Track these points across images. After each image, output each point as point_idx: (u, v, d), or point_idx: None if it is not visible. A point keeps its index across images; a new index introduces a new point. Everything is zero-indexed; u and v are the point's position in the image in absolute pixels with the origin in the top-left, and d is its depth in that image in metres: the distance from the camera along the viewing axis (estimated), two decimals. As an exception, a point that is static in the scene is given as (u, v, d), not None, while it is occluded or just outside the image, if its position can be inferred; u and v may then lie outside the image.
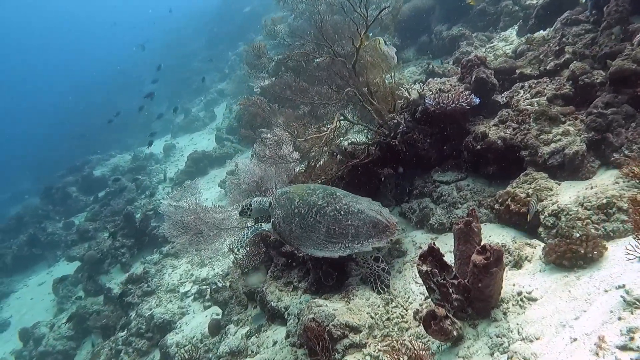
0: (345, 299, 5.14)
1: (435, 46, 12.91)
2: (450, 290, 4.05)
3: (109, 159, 30.25)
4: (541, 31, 8.27)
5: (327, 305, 4.91)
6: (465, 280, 4.02)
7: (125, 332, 9.99)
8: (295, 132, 5.90)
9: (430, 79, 7.17)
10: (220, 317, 7.56)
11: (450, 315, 3.90)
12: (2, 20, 73.97)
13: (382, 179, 6.70)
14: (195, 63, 38.87)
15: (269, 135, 6.42)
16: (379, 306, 4.90)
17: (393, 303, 4.92)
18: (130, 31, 60.22)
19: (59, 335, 13.58)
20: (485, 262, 3.73)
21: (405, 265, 5.57)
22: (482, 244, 3.95)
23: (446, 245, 5.50)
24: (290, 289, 6.34)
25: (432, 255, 4.15)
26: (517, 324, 3.74)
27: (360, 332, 4.60)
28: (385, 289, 5.18)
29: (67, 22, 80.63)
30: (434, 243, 4.18)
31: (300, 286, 6.30)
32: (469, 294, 4.01)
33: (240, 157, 18.99)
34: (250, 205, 5.76)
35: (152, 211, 15.77)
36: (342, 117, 6.23)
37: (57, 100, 56.17)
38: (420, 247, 5.76)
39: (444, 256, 4.17)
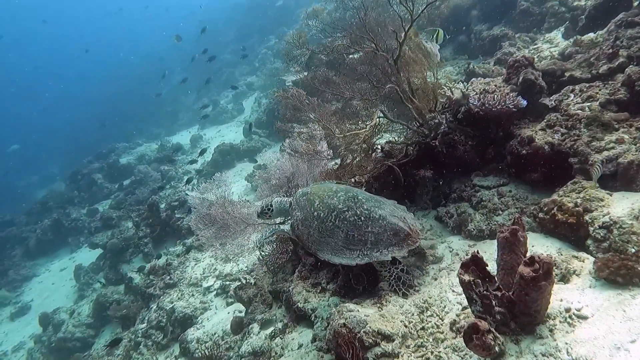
0: (378, 305, 4.96)
1: (474, 46, 12.63)
2: (493, 302, 3.84)
3: (136, 147, 30.47)
4: (591, 34, 7.97)
5: (358, 311, 4.73)
6: (510, 293, 3.80)
7: (145, 324, 9.94)
8: (334, 128, 5.71)
9: (473, 79, 6.95)
10: (243, 314, 7.43)
11: (493, 330, 3.69)
12: (36, 9, 75.11)
13: (419, 181, 6.49)
14: (226, 55, 38.95)
15: (303, 129, 6.25)
16: (413, 314, 4.70)
17: (428, 312, 4.71)
18: (164, 21, 61.10)
19: (79, 322, 13.67)
20: (534, 274, 3.51)
21: (441, 272, 5.37)
22: (529, 254, 3.74)
23: (485, 254, 5.26)
24: (318, 290, 6.18)
25: (475, 265, 3.95)
26: (566, 343, 3.52)
27: (393, 341, 4.41)
28: (409, 290, 5.05)
29: (101, 11, 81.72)
30: (477, 252, 3.96)
31: (329, 288, 6.13)
32: (514, 308, 3.80)
33: (269, 151, 18.93)
34: (271, 205, 5.61)
35: (177, 202, 15.76)
36: (381, 115, 6.02)
37: (90, 87, 56.93)
38: (457, 254, 5.56)
39: (487, 266, 3.96)
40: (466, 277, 3.89)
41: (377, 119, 5.69)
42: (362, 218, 4.91)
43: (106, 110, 44.18)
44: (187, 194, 16.56)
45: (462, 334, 3.65)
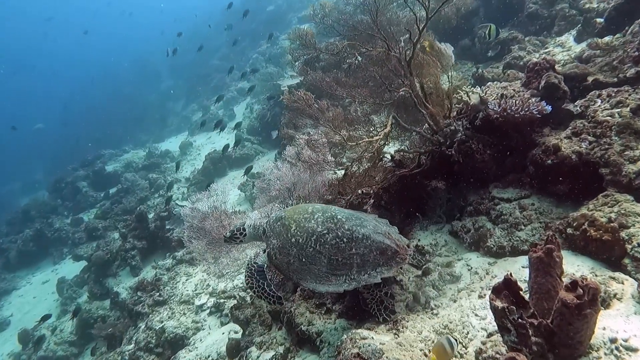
0: (394, 331, 4.58)
1: (478, 50, 12.35)
2: (530, 332, 3.48)
3: (122, 155, 30.02)
4: (607, 37, 7.70)
5: (373, 338, 4.36)
6: (548, 321, 3.45)
7: (132, 345, 9.50)
8: (346, 135, 5.35)
9: (489, 83, 6.63)
10: (239, 336, 7.05)
11: (531, 364, 3.33)
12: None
13: (431, 193, 6.15)
14: (215, 61, 38.85)
15: (315, 135, 5.86)
16: (433, 342, 4.33)
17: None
18: (147, 25, 60.74)
19: (61, 340, 13.24)
20: (579, 301, 3.17)
21: (460, 293, 5.02)
22: (569, 277, 3.39)
23: (507, 273, 4.95)
24: (323, 312, 5.82)
25: (508, 289, 3.59)
26: (616, 380, 3.17)
27: (413, 372, 4.04)
28: (391, 316, 4.75)
29: (84, 14, 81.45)
30: (511, 274, 3.61)
31: (335, 309, 5.77)
32: (552, 338, 3.45)
33: (262, 158, 18.64)
34: (244, 230, 5.18)
35: (166, 212, 15.33)
36: (392, 121, 5.68)
37: (75, 90, 56.34)
38: (477, 273, 5.22)
39: (521, 290, 3.60)
40: (499, 304, 3.53)
41: (391, 126, 5.33)
42: (345, 240, 4.55)
43: (93, 115, 43.81)
44: (177, 204, 16.21)
45: (499, 369, 3.29)
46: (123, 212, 19.35)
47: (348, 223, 4.65)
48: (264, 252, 4.97)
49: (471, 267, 5.36)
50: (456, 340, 4.00)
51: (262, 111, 20.63)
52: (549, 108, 5.42)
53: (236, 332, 7.57)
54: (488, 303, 4.69)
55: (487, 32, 6.01)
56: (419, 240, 5.99)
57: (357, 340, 4.31)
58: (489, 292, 4.95)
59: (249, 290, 4.96)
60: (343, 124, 5.37)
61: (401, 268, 4.76)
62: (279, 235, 4.75)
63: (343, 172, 7.32)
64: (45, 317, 11.63)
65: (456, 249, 5.82)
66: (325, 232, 4.57)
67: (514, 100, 5.52)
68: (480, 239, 5.57)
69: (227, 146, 16.07)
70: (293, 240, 4.62)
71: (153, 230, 14.63)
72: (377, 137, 5.16)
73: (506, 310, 3.50)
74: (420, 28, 5.24)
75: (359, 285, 4.52)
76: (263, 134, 20.30)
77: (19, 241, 22.22)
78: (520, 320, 3.49)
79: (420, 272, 5.62)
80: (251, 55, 33.76)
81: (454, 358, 4.12)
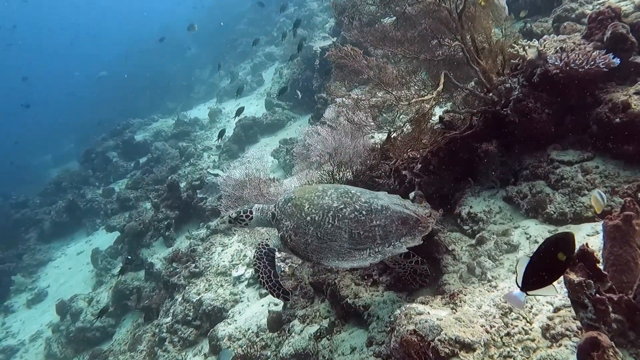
0: (451, 305, 4.33)
1: (521, 4, 11.73)
2: (610, 308, 3.20)
3: (151, 124, 30.09)
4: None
5: (429, 313, 4.12)
6: (630, 296, 3.15)
7: (170, 318, 9.46)
8: (398, 94, 5.03)
9: (545, 37, 6.17)
10: (280, 309, 6.90)
11: (613, 344, 3.05)
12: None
13: (482, 156, 5.81)
14: (241, 25, 38.48)
15: (362, 96, 5.53)
16: (495, 317, 4.07)
17: (512, 314, 4.08)
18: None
19: (97, 311, 13.36)
20: (670, 275, 2.87)
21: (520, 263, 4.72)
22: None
23: (583, 243, 4.65)
24: (370, 283, 5.62)
25: (583, 260, 3.29)
26: None
27: (474, 350, 3.80)
28: (426, 280, 4.83)
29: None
30: (587, 244, 3.31)
31: (382, 280, 5.56)
32: (634, 315, 3.15)
33: (294, 124, 18.35)
34: (251, 212, 4.95)
35: (198, 181, 15.22)
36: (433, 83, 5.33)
37: (104, 63, 56.75)
38: (537, 242, 4.90)
39: (599, 262, 3.31)
40: (574, 277, 3.25)
41: (443, 84, 4.98)
42: (364, 212, 4.35)
43: (119, 87, 44.08)
44: (209, 172, 16.10)
45: (578, 350, 3.02)
46: (154, 182, 19.40)
47: (364, 196, 4.48)
48: (275, 238, 4.76)
49: (530, 236, 5.06)
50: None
51: (293, 75, 20.23)
52: (617, 61, 5.00)
53: (276, 305, 7.42)
54: (552, 275, 4.41)
55: None
56: (470, 207, 5.69)
57: (413, 316, 4.08)
58: (553, 262, 4.68)
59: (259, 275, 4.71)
60: (394, 82, 5.04)
61: (424, 237, 4.47)
62: (291, 216, 4.52)
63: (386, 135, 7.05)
64: (104, 311, 11.71)
65: (511, 216, 5.52)
66: (342, 206, 4.38)
67: (576, 54, 5.11)
68: (539, 205, 5.25)
69: (222, 131, 15.71)
70: (308, 218, 4.41)
71: (185, 200, 14.57)
72: (430, 96, 4.83)
73: (583, 284, 3.22)
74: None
75: (385, 258, 4.35)
76: (294, 99, 19.92)
77: (52, 212, 22.58)
78: (598, 295, 3.21)
79: (473, 241, 5.35)
80: (278, 19, 33.20)
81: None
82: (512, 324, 3.99)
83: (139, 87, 41.59)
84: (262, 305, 7.90)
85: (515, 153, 5.81)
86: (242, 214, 5.01)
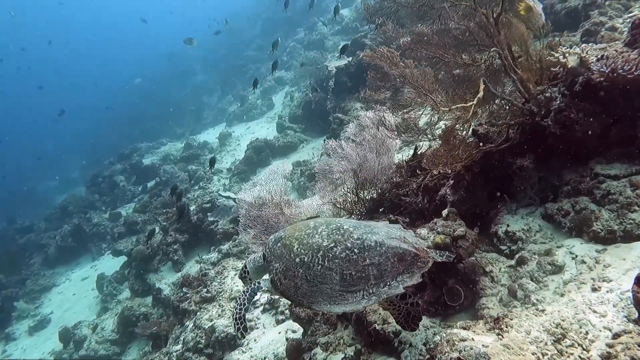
0: (497, 331, 3.99)
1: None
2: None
3: (159, 147, 30.07)
4: None
5: (473, 340, 3.79)
6: None
7: (180, 345, 9.10)
8: (438, 99, 4.75)
9: (584, 45, 5.93)
10: (299, 336, 6.55)
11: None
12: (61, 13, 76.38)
13: (518, 171, 5.51)
14: (250, 52, 38.95)
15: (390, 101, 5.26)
16: (546, 343, 3.73)
17: (566, 340, 3.74)
18: (182, 21, 61.65)
19: (102, 338, 13.07)
20: None
21: (567, 286, 4.41)
22: None
23: (624, 262, 4.33)
24: (399, 308, 5.27)
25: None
26: None
27: (526, 380, 3.46)
28: (418, 324, 4.17)
29: (117, 13, 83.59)
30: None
31: (413, 305, 5.22)
32: None
33: (306, 147, 18.20)
34: (246, 267, 4.68)
35: (209, 203, 14.97)
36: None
37: (112, 90, 57.54)
38: (584, 262, 4.59)
39: (673, 280, 2.99)
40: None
41: (483, 91, 4.70)
42: (356, 250, 3.93)
43: (126, 113, 44.59)
44: (220, 195, 15.86)
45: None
46: (162, 206, 19.15)
47: (357, 232, 4.07)
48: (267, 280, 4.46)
49: (576, 255, 4.73)
50: None
51: (305, 97, 20.18)
52: (669, 67, 4.73)
53: (294, 332, 7.09)
54: (606, 297, 4.09)
55: None
56: (507, 225, 5.39)
57: (456, 343, 3.76)
58: (604, 283, 4.35)
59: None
60: (433, 87, 4.76)
61: (424, 274, 4.10)
62: (280, 258, 4.18)
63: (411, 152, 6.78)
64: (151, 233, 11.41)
65: (552, 235, 5.20)
66: (332, 245, 3.98)
67: (623, 60, 4.85)
68: (584, 223, 4.92)
69: (213, 159, 15.17)
70: (297, 260, 4.05)
71: (195, 223, 14.32)
72: (471, 103, 4.54)
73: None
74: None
75: (380, 299, 3.91)
76: (306, 121, 19.99)
77: (57, 237, 22.38)
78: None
79: (513, 262, 5.04)
80: (288, 44, 33.48)
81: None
82: (566, 352, 3.66)
83: (147, 114, 41.91)
84: (279, 333, 7.56)
85: (555, 168, 5.52)
86: (242, 271, 4.74)
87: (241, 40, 41.19)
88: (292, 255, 4.08)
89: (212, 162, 14.84)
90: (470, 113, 4.49)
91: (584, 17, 9.98)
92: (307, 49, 29.68)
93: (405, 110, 5.14)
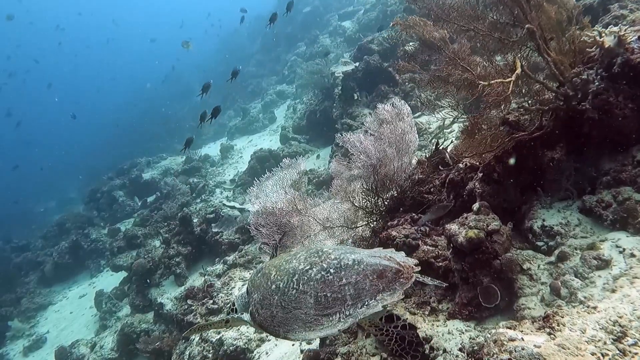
0: (547, 330, 3.62)
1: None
2: None
3: (159, 162, 29.79)
4: None
5: (523, 339, 3.42)
6: None
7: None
8: (478, 72, 4.42)
9: (620, 25, 5.64)
10: (316, 346, 6.18)
11: None
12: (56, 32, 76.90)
13: (551, 161, 5.17)
14: (250, 67, 39.28)
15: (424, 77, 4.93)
16: (605, 342, 3.37)
17: (627, 339, 3.37)
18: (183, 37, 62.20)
19: (101, 358, 12.72)
20: None
21: (618, 280, 4.05)
22: None
23: None
24: (427, 312, 4.94)
25: None
26: None
27: (588, 384, 3.09)
28: (419, 349, 3.84)
29: (116, 30, 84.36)
30: None
31: (442, 308, 4.91)
32: None
33: (311, 157, 17.98)
34: (234, 304, 4.39)
35: (213, 214, 14.62)
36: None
37: (109, 110, 57.84)
38: (634, 255, 4.23)
39: None
40: None
41: (521, 68, 4.37)
42: (332, 270, 3.64)
43: (125, 132, 44.95)
44: (225, 206, 15.53)
45: None
46: (163, 219, 18.82)
47: (335, 253, 3.79)
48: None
49: (623, 249, 4.39)
50: None
51: (310, 107, 20.03)
52: None
53: (308, 343, 6.72)
54: (666, 292, 3.76)
55: None
56: (543, 220, 5.05)
57: (505, 343, 3.39)
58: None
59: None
60: (472, 58, 4.44)
61: (405, 292, 3.73)
62: (259, 288, 3.92)
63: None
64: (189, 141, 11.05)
65: (592, 229, 4.86)
66: (307, 267, 3.71)
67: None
68: (629, 214, 4.59)
69: (190, 139, 14.19)
70: (273, 287, 3.78)
71: (199, 235, 14.01)
72: (510, 79, 4.20)
73: None
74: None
75: (357, 321, 3.56)
76: (310, 132, 20.03)
77: (54, 254, 22.02)
78: None
79: (553, 258, 4.69)
80: (288, 58, 33.59)
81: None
82: (630, 352, 3.29)
83: (146, 131, 41.97)
84: (293, 344, 7.19)
85: (591, 157, 5.18)
86: (230, 308, 4.47)
87: (241, 57, 41.42)
88: (269, 283, 3.83)
89: (189, 142, 14.07)
90: (510, 88, 4.16)
91: (602, 11, 9.76)
92: (310, 60, 29.82)
93: (436, 85, 4.79)
